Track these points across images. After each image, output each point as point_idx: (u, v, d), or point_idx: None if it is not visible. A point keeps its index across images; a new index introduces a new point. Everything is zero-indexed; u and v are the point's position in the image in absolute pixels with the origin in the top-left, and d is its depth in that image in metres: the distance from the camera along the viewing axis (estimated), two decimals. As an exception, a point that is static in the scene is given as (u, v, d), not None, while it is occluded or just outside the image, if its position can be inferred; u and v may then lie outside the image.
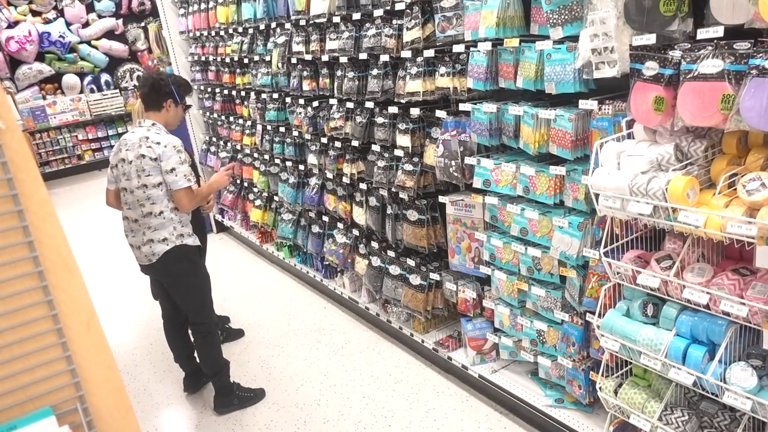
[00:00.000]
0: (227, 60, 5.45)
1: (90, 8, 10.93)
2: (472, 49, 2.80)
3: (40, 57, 10.32)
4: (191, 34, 6.00)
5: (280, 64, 4.44)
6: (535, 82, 2.53)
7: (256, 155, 5.58)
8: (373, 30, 3.43)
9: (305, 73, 4.22)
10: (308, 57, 4.10)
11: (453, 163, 3.05)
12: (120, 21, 11.18)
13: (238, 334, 4.38)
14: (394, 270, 3.79)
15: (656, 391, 2.26)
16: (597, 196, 2.06)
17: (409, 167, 3.46)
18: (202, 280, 3.41)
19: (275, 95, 4.83)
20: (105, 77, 11.10)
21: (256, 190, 5.67)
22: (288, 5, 4.23)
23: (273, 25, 4.60)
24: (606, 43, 2.10)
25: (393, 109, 3.48)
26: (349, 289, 4.48)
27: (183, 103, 3.32)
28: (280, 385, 3.73)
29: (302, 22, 4.11)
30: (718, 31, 1.81)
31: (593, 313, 2.38)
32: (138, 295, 5.19)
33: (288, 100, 4.63)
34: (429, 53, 3.08)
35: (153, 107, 3.18)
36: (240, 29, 5.12)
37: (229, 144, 6.07)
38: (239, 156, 5.87)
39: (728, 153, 1.93)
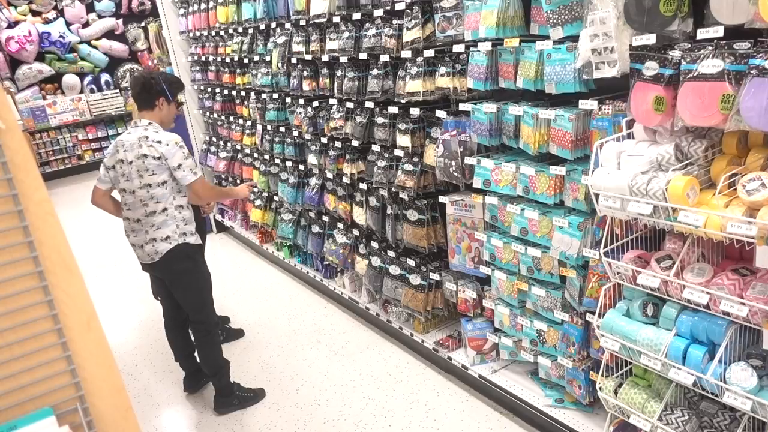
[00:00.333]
0: (227, 60, 5.45)
1: (90, 8, 10.93)
2: (472, 49, 2.80)
3: (40, 57, 10.32)
4: (191, 34, 6.00)
5: (280, 64, 4.44)
6: (535, 82, 2.53)
7: (256, 155, 5.58)
8: (373, 30, 3.43)
9: (305, 73, 4.22)
10: (308, 57, 4.10)
11: (453, 163, 3.05)
12: (120, 21, 11.18)
13: (238, 334, 4.38)
14: (394, 270, 3.79)
15: (656, 391, 2.26)
16: (597, 196, 2.06)
17: (409, 167, 3.46)
18: (204, 279, 3.42)
19: (275, 95, 4.83)
20: (105, 77, 11.10)
21: (256, 190, 5.68)
22: (288, 5, 4.23)
23: (273, 25, 4.60)
24: (606, 43, 2.10)
25: (393, 109, 3.48)
26: (349, 289, 4.48)
27: (175, 100, 3.34)
28: (280, 385, 3.73)
29: (302, 22, 4.11)
30: (718, 31, 1.81)
31: (593, 313, 2.38)
32: (138, 295, 5.19)
33: (288, 100, 4.63)
34: (429, 53, 3.08)
35: (146, 107, 3.19)
36: (240, 29, 5.12)
37: (229, 144, 6.07)
38: (239, 156, 5.87)
39: (728, 153, 1.92)
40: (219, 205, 6.42)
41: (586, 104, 2.39)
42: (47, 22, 10.37)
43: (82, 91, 10.86)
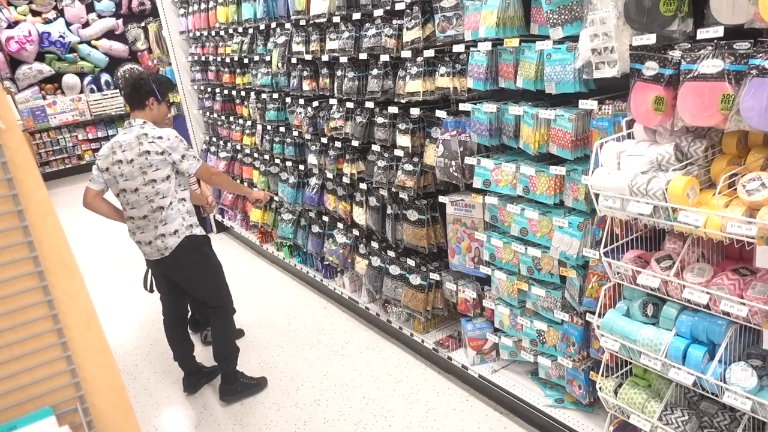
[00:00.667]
0: (227, 60, 5.45)
1: (90, 8, 10.93)
2: (472, 49, 2.80)
3: (40, 57, 10.32)
4: (191, 34, 6.00)
5: (280, 64, 4.44)
6: (535, 82, 2.53)
7: (256, 155, 5.58)
8: (373, 30, 3.43)
9: (305, 73, 4.22)
10: (308, 57, 4.10)
11: (453, 163, 3.05)
12: (120, 21, 11.18)
13: (238, 334, 4.37)
14: (394, 270, 3.79)
15: (656, 391, 2.26)
16: (597, 196, 2.06)
17: (409, 167, 3.46)
18: (214, 267, 3.50)
19: (275, 95, 4.83)
20: (105, 77, 11.10)
21: (256, 190, 5.67)
22: (288, 5, 4.23)
23: (273, 25, 4.60)
24: (606, 43, 2.10)
25: (393, 109, 3.48)
26: (349, 289, 4.48)
27: (166, 100, 3.37)
28: (280, 385, 3.73)
29: (302, 22, 4.11)
30: (718, 31, 1.81)
31: (593, 313, 2.38)
32: (138, 295, 5.18)
33: (288, 100, 4.63)
34: (429, 53, 3.08)
35: (137, 107, 3.23)
36: (240, 29, 5.12)
37: (229, 144, 6.07)
38: (239, 156, 5.88)
39: (728, 153, 1.92)
40: (219, 205, 6.42)
41: (586, 104, 2.39)
42: (47, 22, 10.37)
43: (82, 91, 10.87)
